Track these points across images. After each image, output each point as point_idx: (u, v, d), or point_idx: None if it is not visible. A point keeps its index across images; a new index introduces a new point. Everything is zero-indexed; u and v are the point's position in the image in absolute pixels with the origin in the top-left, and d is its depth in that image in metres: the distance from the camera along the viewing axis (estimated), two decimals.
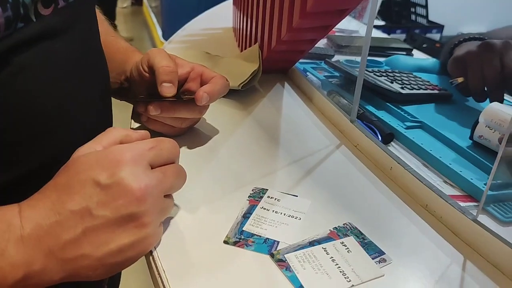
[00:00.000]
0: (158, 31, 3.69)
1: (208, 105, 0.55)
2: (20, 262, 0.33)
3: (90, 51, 0.47)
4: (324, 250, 0.41)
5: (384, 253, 0.41)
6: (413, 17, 1.56)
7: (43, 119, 0.40)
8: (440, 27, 1.46)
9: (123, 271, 0.43)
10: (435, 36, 1.43)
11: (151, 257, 0.40)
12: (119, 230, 0.35)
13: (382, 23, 1.51)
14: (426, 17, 1.49)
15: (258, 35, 0.74)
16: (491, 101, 0.62)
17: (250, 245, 0.41)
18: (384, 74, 0.75)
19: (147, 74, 0.53)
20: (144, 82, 0.54)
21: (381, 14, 1.63)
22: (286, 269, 0.38)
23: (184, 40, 0.95)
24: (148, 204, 0.36)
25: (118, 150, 0.37)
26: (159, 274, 0.38)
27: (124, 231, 0.35)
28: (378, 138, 0.59)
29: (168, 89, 0.50)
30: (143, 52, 0.58)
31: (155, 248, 0.40)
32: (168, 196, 0.40)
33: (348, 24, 1.09)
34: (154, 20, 4.03)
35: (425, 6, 1.48)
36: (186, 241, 0.41)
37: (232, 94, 0.68)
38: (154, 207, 0.37)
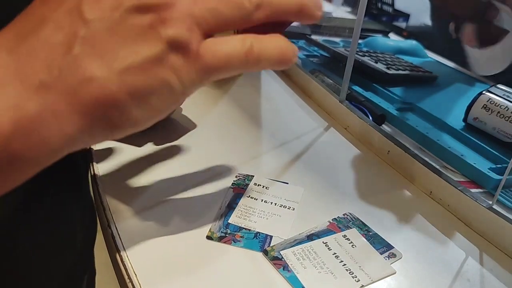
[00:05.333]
0: None
1: None
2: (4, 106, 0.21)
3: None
4: (325, 245, 0.35)
5: (393, 247, 0.36)
6: (379, 4, 1.54)
7: None
8: (406, 16, 1.45)
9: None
10: (401, 24, 1.42)
11: (118, 258, 0.32)
12: (136, 38, 0.22)
13: (348, 9, 1.48)
14: (392, 5, 1.47)
15: None
16: None
17: (239, 241, 0.35)
18: (367, 54, 0.70)
19: None
20: None
21: (348, 1, 1.60)
22: (283, 269, 0.32)
23: None
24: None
25: None
26: (129, 278, 0.31)
27: (142, 40, 0.23)
28: (370, 120, 0.54)
29: None
30: None
31: (123, 247, 0.33)
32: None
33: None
34: None
35: None
36: (162, 238, 0.34)
37: None
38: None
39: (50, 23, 0.22)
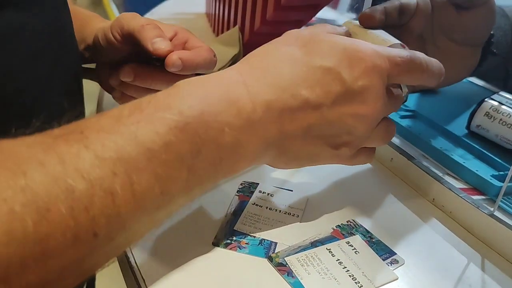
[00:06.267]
0: None
1: None
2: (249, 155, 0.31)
3: (62, 29, 0.39)
4: (329, 252, 0.36)
5: (395, 253, 0.36)
6: None
7: (4, 106, 0.32)
8: None
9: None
10: None
11: (127, 264, 0.33)
12: (328, 143, 0.34)
13: (354, 16, 1.50)
14: None
15: (239, 17, 0.68)
16: None
17: (244, 248, 0.35)
18: None
19: (117, 43, 0.44)
20: (113, 51, 0.45)
21: (352, 8, 1.62)
22: (288, 275, 0.33)
23: None
24: (371, 127, 0.34)
25: (370, 57, 0.32)
26: (137, 283, 0.32)
27: (330, 146, 0.34)
28: None
29: (162, 44, 0.40)
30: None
31: (132, 254, 0.34)
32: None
33: (325, 14, 1.06)
34: (115, 11, 3.86)
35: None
36: (169, 245, 0.35)
37: None
38: (370, 131, 0.35)
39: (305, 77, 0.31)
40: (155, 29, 0.42)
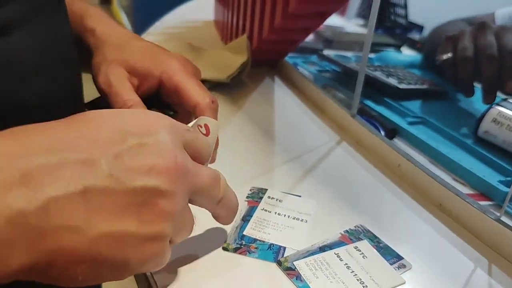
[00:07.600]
0: None
1: None
2: None
3: (58, 43, 0.39)
4: (337, 256, 0.36)
5: (403, 258, 0.37)
6: (392, 17, 1.55)
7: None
8: (419, 28, 1.46)
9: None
10: (415, 36, 1.43)
11: None
12: (128, 209, 0.24)
13: (361, 22, 1.50)
14: (406, 17, 1.48)
15: (247, 24, 0.70)
16: (483, 94, 0.58)
17: (253, 252, 0.36)
18: (379, 69, 0.71)
19: None
20: None
21: (360, 14, 1.62)
22: (296, 279, 0.34)
23: (164, 33, 0.89)
24: (177, 189, 0.26)
25: (154, 114, 0.28)
26: (149, 287, 0.32)
27: (133, 213, 0.24)
28: (381, 134, 0.55)
29: None
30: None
31: None
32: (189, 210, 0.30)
33: (332, 21, 1.07)
34: (125, 20, 3.90)
35: (404, 7, 1.48)
36: (180, 250, 0.36)
37: (219, 87, 0.63)
38: (179, 200, 0.26)
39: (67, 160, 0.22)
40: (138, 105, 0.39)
